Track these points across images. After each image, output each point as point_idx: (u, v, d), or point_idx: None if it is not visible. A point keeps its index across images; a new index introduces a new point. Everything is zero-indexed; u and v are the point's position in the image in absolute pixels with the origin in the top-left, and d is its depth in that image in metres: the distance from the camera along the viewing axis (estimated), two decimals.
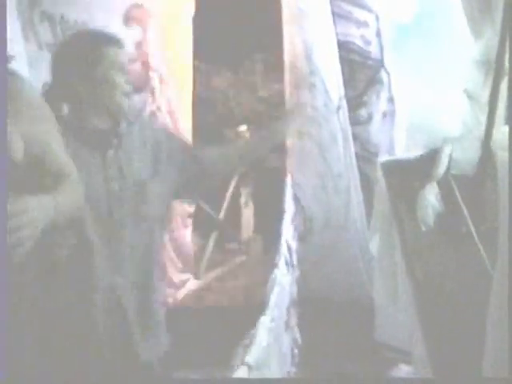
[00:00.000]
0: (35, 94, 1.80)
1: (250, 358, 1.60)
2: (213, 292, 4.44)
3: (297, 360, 3.01)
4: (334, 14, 4.12)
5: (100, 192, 2.01)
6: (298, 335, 3.15)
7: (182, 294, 4.24)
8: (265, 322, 1.92)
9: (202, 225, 4.78)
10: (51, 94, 2.08)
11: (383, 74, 4.49)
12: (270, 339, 1.94)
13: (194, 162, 2.23)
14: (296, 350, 3.04)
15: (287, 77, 3.85)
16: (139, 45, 3.92)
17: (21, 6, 2.58)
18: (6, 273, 1.41)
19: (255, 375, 1.63)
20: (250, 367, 1.61)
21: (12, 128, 1.57)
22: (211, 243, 4.95)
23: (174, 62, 4.05)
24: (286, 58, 3.83)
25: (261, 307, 2.30)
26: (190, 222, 4.29)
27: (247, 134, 4.63)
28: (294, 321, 3.10)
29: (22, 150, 1.58)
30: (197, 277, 4.50)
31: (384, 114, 4.52)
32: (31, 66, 2.59)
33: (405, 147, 4.02)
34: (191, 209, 4.28)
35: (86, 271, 1.72)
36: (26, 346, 1.57)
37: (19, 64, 2.38)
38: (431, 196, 2.93)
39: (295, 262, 3.33)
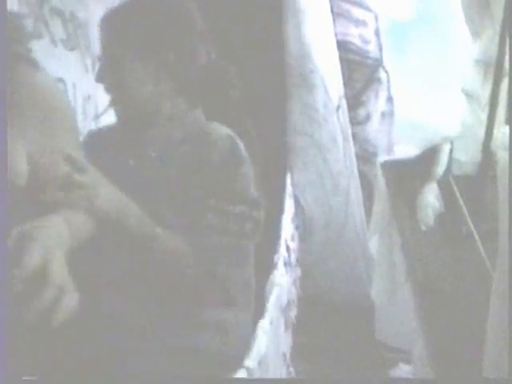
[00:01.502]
0: (53, 89, 1.53)
1: (249, 362, 1.60)
2: None
3: (296, 360, 3.01)
4: (332, 13, 4.12)
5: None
6: (296, 335, 3.15)
7: None
8: (264, 325, 1.91)
9: None
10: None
11: (382, 74, 4.49)
12: (270, 341, 1.93)
13: None
14: (294, 350, 3.04)
15: (287, 77, 3.84)
16: None
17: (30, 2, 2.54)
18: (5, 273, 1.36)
19: (255, 377, 1.63)
20: (249, 371, 1.60)
21: (16, 143, 1.32)
22: None
23: None
24: (286, 57, 3.82)
25: (260, 308, 2.29)
26: None
27: None
28: (292, 320, 3.10)
29: (25, 172, 1.35)
30: None
31: (383, 114, 4.52)
32: (44, 62, 2.55)
33: (404, 147, 4.03)
34: None
35: None
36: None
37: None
38: (431, 196, 2.93)
39: (294, 262, 3.32)
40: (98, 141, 1.84)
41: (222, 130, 1.73)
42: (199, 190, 1.65)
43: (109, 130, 1.88)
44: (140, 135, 1.76)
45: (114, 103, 1.77)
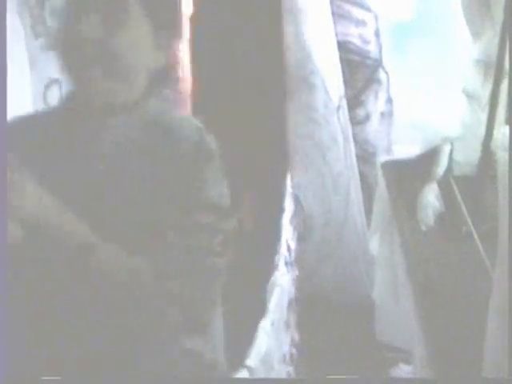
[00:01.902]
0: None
1: (250, 362, 1.59)
2: None
3: (295, 360, 3.01)
4: (333, 13, 4.12)
5: None
6: (296, 335, 3.15)
7: None
8: (265, 325, 1.90)
9: None
10: None
11: (381, 74, 4.48)
12: (271, 341, 1.93)
13: None
14: (294, 350, 3.04)
15: (287, 77, 3.84)
16: None
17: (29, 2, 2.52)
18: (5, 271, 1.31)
19: (256, 377, 1.63)
20: (250, 370, 1.59)
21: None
22: None
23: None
24: (286, 58, 3.82)
25: (261, 308, 2.29)
26: None
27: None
28: (292, 320, 3.10)
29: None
30: None
31: (382, 114, 4.52)
32: (42, 63, 2.54)
33: (403, 147, 4.03)
34: None
35: None
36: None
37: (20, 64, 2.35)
38: (431, 196, 2.94)
39: (294, 262, 3.33)
40: (34, 127, 1.55)
41: (188, 120, 1.47)
42: (158, 194, 1.35)
43: (51, 116, 1.57)
44: (92, 127, 1.45)
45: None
